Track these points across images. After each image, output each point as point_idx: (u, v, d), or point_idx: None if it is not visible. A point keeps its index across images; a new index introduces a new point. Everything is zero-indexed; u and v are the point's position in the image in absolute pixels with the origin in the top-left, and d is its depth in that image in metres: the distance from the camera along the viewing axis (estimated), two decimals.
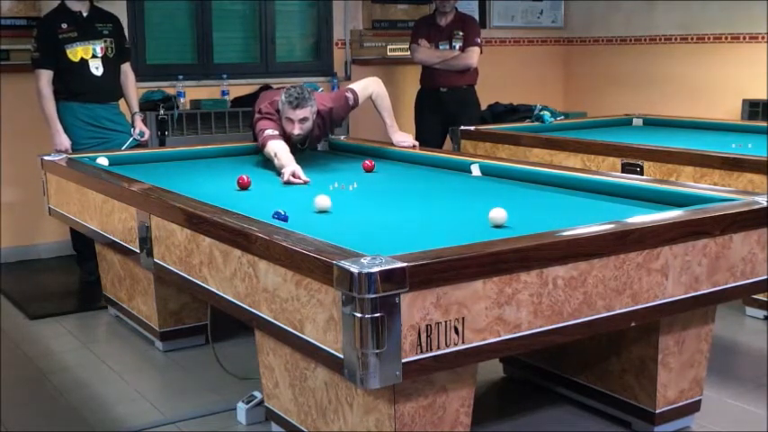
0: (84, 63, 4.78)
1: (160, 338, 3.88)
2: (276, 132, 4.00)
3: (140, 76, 5.19)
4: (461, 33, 5.92)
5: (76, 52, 4.75)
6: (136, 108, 5.05)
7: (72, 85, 4.77)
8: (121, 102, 5.04)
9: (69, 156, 4.30)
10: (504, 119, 6.28)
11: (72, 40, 4.74)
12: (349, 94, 4.37)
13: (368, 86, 4.46)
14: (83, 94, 4.80)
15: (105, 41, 4.84)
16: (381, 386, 2.11)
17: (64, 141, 4.73)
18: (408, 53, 6.19)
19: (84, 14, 4.82)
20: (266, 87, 5.72)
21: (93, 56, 4.80)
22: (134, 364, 3.80)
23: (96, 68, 4.81)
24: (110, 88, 4.91)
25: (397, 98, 6.85)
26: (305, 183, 3.65)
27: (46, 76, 4.73)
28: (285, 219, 2.70)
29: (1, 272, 5.26)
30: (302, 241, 2.34)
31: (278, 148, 3.88)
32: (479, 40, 5.93)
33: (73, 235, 4.97)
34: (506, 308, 2.23)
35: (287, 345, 2.56)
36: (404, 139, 4.48)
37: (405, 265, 2.06)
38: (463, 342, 2.17)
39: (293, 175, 3.67)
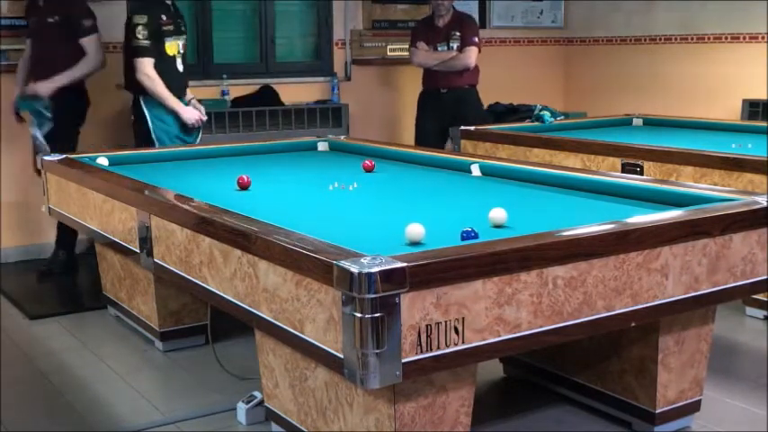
0: (173, 58, 4.73)
1: (160, 338, 3.88)
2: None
3: None
4: (458, 34, 5.91)
5: (172, 46, 4.70)
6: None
7: (163, 80, 4.69)
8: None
9: (69, 156, 4.29)
10: (504, 119, 6.27)
11: (170, 34, 4.69)
12: None
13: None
14: (171, 90, 4.72)
15: (185, 38, 4.82)
16: (381, 386, 2.11)
17: (193, 112, 4.70)
18: (408, 54, 6.19)
19: (172, 9, 4.76)
20: (266, 87, 5.72)
21: (179, 51, 4.76)
22: (134, 364, 3.80)
23: (180, 65, 4.77)
24: (186, 86, 4.89)
25: (398, 98, 6.86)
26: None
27: (151, 63, 4.64)
28: (476, 236, 2.47)
29: (1, 272, 5.27)
30: (302, 241, 2.34)
31: None
32: (477, 40, 5.92)
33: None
34: (506, 308, 2.23)
35: (287, 345, 2.56)
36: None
37: (405, 265, 2.05)
38: (463, 342, 2.17)
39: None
